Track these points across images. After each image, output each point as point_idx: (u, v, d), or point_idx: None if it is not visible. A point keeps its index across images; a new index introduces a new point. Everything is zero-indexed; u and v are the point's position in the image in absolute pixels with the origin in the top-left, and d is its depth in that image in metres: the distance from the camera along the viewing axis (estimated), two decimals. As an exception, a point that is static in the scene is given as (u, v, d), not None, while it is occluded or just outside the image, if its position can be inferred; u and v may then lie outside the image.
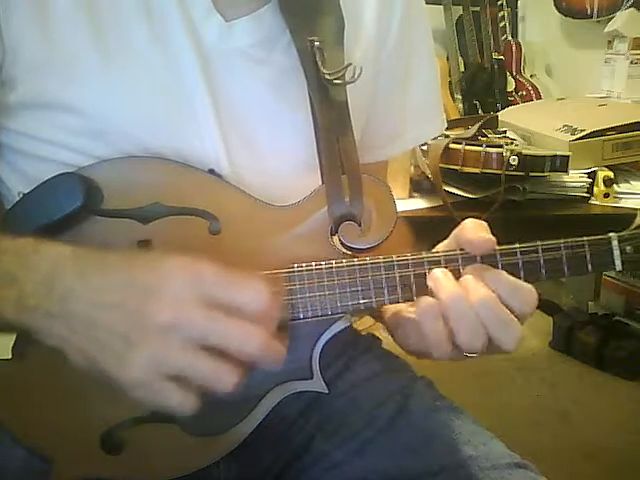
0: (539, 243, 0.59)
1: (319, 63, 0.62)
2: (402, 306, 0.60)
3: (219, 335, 0.49)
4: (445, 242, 0.61)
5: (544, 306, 2.49)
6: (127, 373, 0.49)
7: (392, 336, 0.63)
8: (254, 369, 0.51)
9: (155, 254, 0.54)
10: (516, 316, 0.55)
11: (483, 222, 0.59)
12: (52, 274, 0.50)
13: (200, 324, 0.49)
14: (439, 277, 0.57)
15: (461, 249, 0.58)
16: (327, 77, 0.62)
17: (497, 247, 0.58)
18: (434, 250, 0.60)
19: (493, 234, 0.58)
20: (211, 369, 0.49)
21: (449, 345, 0.55)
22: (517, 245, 0.58)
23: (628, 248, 0.59)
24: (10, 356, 0.58)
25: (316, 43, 0.63)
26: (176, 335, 0.48)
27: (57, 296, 0.50)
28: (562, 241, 0.59)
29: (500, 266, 0.58)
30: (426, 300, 0.56)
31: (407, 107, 0.78)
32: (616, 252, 0.59)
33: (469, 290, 0.55)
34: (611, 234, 0.60)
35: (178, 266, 0.50)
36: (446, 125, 0.84)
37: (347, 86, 0.63)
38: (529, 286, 0.56)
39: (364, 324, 0.94)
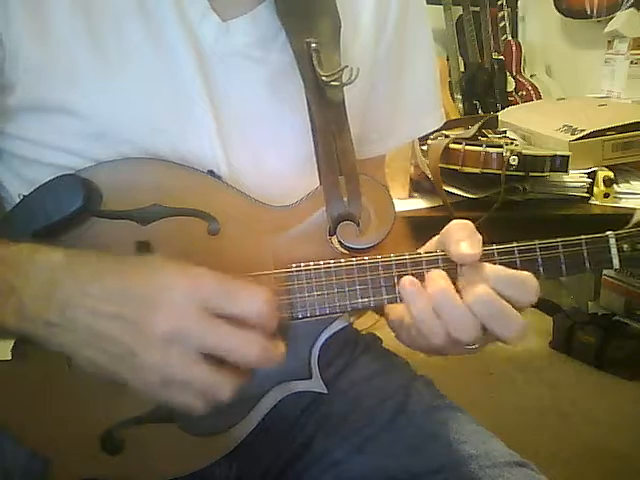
0: (537, 242, 0.58)
1: (315, 65, 0.62)
2: (400, 308, 0.60)
3: (218, 344, 0.49)
4: (432, 241, 0.60)
5: (544, 306, 2.49)
6: (136, 379, 0.50)
7: (397, 337, 0.62)
8: (254, 374, 0.52)
9: (151, 260, 0.53)
10: (518, 307, 0.53)
11: (468, 223, 0.57)
12: (49, 283, 0.51)
13: (199, 334, 0.49)
14: (433, 277, 0.55)
15: None
16: (324, 79, 0.61)
17: (495, 246, 0.58)
18: (424, 247, 0.60)
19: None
20: (211, 378, 0.50)
21: (449, 341, 0.54)
22: (514, 244, 0.58)
23: (625, 246, 0.59)
24: (10, 357, 0.59)
25: (312, 44, 0.62)
26: (176, 345, 0.49)
27: (56, 305, 0.50)
28: (560, 240, 0.59)
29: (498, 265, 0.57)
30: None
31: (403, 101, 0.78)
32: (613, 250, 0.59)
33: (463, 289, 0.54)
34: (608, 232, 0.60)
35: (176, 275, 0.50)
36: (445, 120, 0.83)
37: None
38: (526, 274, 0.54)
39: (364, 324, 0.94)
